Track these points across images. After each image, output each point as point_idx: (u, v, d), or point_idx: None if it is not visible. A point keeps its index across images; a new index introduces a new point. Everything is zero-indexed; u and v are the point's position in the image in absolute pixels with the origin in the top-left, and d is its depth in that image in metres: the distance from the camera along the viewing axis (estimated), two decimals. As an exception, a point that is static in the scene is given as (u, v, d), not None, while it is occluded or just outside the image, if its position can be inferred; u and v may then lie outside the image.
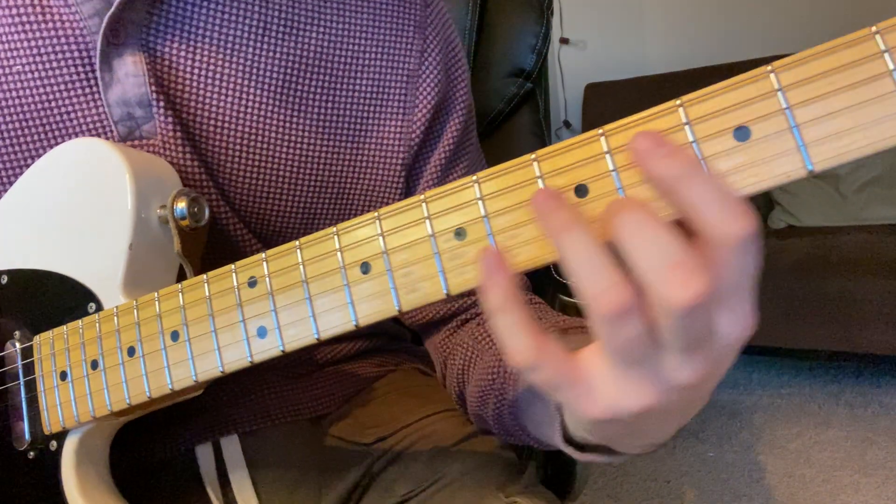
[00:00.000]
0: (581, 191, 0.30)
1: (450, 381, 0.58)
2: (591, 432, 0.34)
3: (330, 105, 0.54)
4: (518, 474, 0.57)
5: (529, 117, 0.98)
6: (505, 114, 0.97)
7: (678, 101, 0.28)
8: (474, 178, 0.32)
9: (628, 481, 1.68)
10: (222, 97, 0.50)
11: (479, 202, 0.32)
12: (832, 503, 1.50)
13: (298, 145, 0.53)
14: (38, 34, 0.47)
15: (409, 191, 0.60)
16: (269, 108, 0.51)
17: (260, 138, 0.51)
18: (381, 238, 0.34)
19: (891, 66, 0.26)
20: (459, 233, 0.32)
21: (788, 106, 0.27)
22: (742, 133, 0.27)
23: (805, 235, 1.93)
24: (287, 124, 0.52)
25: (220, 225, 0.51)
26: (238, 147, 0.51)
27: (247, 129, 0.51)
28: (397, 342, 0.71)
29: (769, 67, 0.27)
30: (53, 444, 0.45)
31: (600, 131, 0.30)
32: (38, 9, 0.47)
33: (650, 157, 0.28)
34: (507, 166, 0.31)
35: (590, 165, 0.30)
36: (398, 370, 0.68)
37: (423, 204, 0.33)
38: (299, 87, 0.53)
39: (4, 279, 0.48)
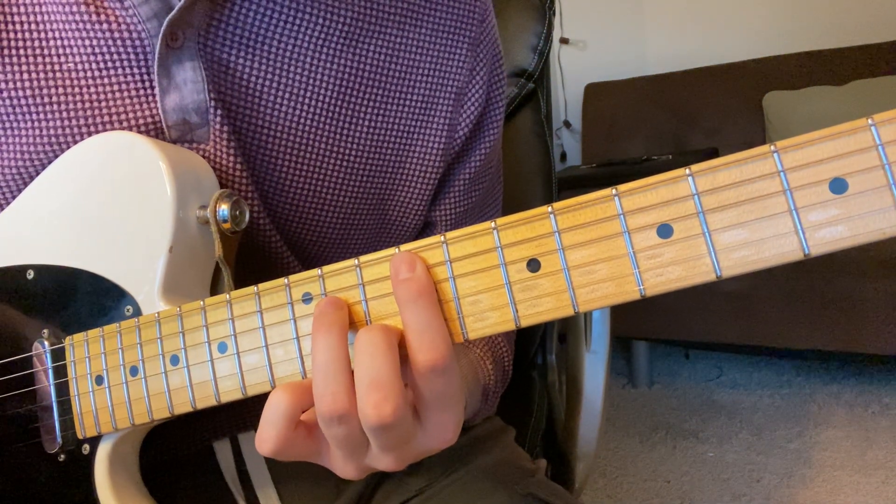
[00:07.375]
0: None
1: None
2: None
3: (380, 118, 0.53)
4: (531, 474, 0.58)
5: (532, 117, 0.96)
6: (506, 115, 0.95)
7: (613, 191, 0.30)
8: (442, 237, 0.34)
9: (628, 481, 1.68)
10: (277, 107, 0.49)
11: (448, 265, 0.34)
12: (832, 503, 1.50)
13: (346, 158, 0.52)
14: (92, 33, 0.46)
15: (433, 204, 0.59)
16: (322, 120, 0.51)
17: (310, 149, 0.51)
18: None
19: (785, 186, 0.27)
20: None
21: (702, 210, 0.29)
22: (665, 230, 0.30)
23: (805, 236, 1.93)
24: (337, 136, 0.51)
25: (256, 231, 0.50)
26: (287, 156, 0.50)
27: (298, 140, 0.50)
28: None
29: (687, 171, 0.29)
30: (86, 448, 0.44)
31: (549, 210, 0.32)
32: (93, 8, 0.45)
33: (393, 277, 0.33)
34: (471, 232, 0.33)
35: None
36: None
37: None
38: (353, 99, 0.52)
39: (31, 274, 0.46)
